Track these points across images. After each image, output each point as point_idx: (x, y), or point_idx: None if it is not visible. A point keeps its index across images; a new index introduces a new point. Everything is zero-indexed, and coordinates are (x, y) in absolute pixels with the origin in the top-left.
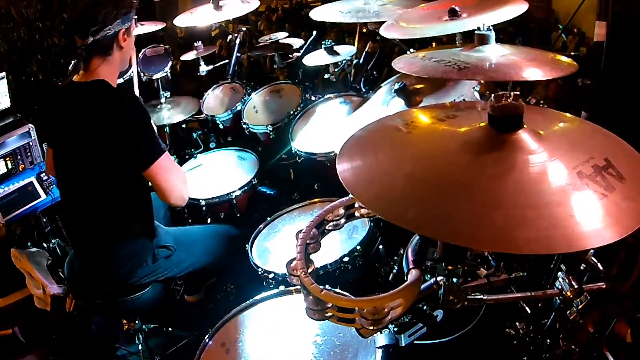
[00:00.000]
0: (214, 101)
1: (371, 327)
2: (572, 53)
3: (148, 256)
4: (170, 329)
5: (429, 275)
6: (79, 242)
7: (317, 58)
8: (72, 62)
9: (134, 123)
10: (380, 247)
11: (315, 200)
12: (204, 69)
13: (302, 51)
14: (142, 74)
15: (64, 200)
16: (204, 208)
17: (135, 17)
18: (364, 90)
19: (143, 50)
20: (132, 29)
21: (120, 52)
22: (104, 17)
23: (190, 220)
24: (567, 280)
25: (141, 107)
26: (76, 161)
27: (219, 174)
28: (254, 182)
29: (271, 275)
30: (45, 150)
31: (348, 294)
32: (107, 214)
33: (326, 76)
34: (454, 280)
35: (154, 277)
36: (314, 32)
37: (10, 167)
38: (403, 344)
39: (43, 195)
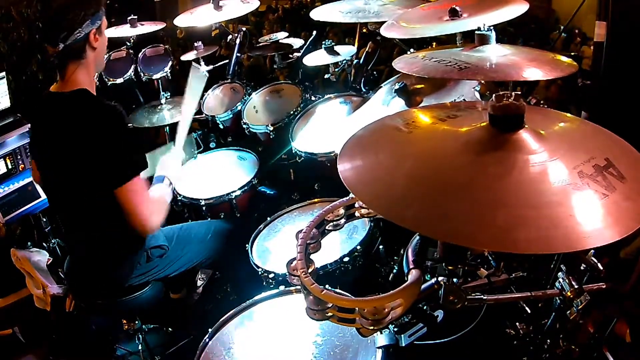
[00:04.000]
0: (214, 101)
1: (371, 327)
2: (572, 53)
3: (141, 257)
4: (170, 329)
5: (429, 276)
6: (72, 244)
7: (317, 58)
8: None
9: (111, 138)
10: (381, 247)
11: (316, 200)
12: (204, 69)
13: (302, 51)
14: (142, 74)
15: (51, 206)
16: (204, 208)
17: (104, 13)
18: (364, 90)
19: (143, 50)
20: (103, 26)
21: (93, 52)
22: (73, 21)
23: (190, 221)
24: (567, 281)
25: (122, 122)
26: (60, 171)
27: (219, 174)
28: (254, 182)
29: (271, 275)
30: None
31: (348, 294)
32: (94, 219)
33: (326, 76)
34: (454, 280)
35: (150, 276)
36: (314, 32)
37: (10, 167)
38: (403, 344)
39: (43, 195)
